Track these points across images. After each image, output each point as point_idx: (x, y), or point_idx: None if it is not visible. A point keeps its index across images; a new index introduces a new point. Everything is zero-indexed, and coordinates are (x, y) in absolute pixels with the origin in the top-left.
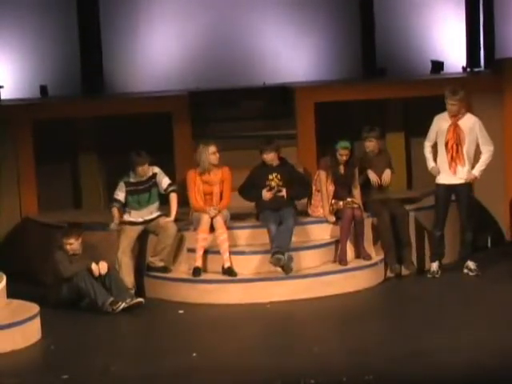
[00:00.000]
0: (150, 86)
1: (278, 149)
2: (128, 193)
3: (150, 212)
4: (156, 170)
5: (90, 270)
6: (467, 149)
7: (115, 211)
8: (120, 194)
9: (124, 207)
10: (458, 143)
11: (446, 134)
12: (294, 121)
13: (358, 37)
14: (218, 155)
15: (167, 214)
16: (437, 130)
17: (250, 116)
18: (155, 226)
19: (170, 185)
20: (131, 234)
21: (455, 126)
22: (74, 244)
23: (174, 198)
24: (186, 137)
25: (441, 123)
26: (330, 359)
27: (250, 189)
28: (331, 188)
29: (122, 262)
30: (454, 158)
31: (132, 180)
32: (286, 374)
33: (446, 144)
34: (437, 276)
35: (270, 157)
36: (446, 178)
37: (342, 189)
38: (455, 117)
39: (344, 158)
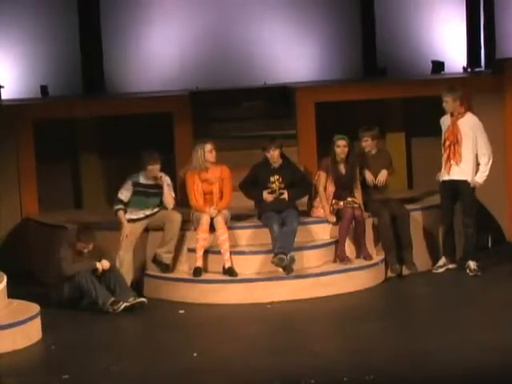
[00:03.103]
0: (150, 85)
1: (281, 147)
2: (135, 193)
3: (151, 208)
4: (168, 181)
5: (92, 270)
6: (467, 149)
7: (122, 215)
8: (124, 194)
9: (126, 206)
10: (456, 143)
11: (445, 132)
12: (294, 121)
13: (359, 37)
14: (214, 153)
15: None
16: (443, 131)
17: (251, 116)
18: (160, 218)
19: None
20: (134, 231)
21: (453, 126)
22: (87, 248)
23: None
24: (187, 137)
25: (445, 123)
26: (331, 359)
27: (250, 185)
28: (331, 189)
29: (124, 260)
30: (450, 157)
31: (142, 181)
32: (286, 374)
33: (444, 142)
34: (440, 270)
35: (276, 155)
36: (446, 175)
37: (343, 189)
38: (453, 116)
39: (343, 149)
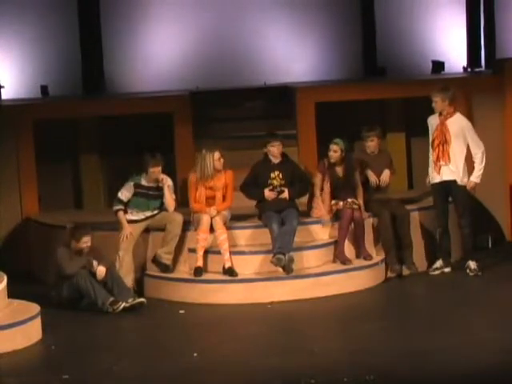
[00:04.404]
0: (150, 86)
1: (282, 142)
2: (136, 194)
3: (151, 210)
4: (169, 182)
5: (90, 265)
6: (456, 148)
7: (122, 216)
8: (125, 194)
9: (125, 206)
10: (444, 142)
11: (434, 132)
12: (294, 121)
13: (359, 37)
14: (222, 160)
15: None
16: (430, 131)
17: (251, 116)
18: (161, 219)
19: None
20: (133, 232)
21: (442, 126)
22: (87, 242)
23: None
24: (187, 137)
25: (432, 123)
26: (331, 359)
27: (252, 186)
28: (328, 190)
29: (124, 261)
30: (439, 157)
31: (143, 183)
32: (286, 374)
33: (433, 142)
34: (436, 273)
35: (277, 148)
36: (437, 176)
37: (340, 191)
38: (441, 116)
39: (333, 154)
